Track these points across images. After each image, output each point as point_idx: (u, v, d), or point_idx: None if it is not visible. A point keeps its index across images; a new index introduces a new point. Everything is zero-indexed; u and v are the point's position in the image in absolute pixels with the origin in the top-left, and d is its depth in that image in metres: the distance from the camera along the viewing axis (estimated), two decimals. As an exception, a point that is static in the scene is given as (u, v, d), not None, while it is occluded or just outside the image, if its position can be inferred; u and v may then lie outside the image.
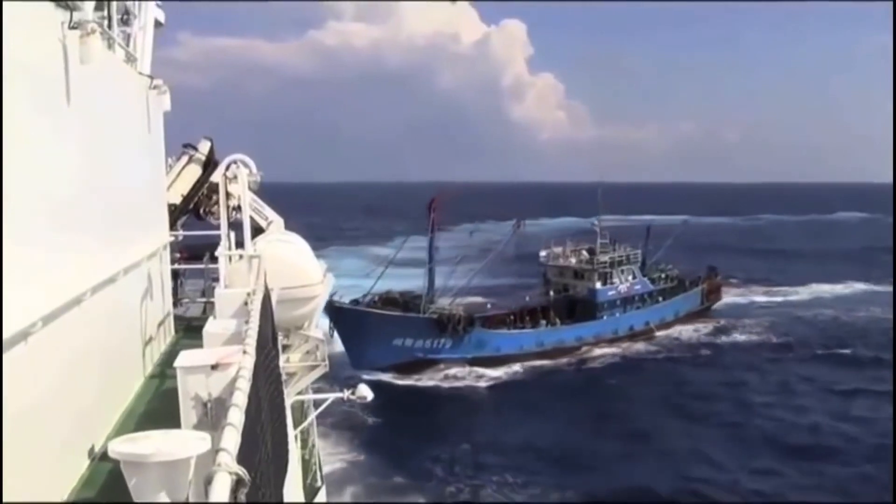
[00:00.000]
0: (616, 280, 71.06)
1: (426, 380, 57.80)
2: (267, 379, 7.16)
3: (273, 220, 20.81)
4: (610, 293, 70.28)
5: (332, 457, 38.80)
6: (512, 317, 66.21)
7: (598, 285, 69.55)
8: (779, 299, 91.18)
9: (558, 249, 73.80)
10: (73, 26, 9.55)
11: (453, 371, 59.48)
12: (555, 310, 67.95)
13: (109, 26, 14.08)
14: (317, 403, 18.74)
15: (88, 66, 9.89)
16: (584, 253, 72.46)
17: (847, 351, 67.07)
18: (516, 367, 61.56)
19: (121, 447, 4.12)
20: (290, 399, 14.79)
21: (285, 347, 14.56)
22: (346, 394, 17.05)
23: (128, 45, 15.68)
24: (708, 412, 50.86)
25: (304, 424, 18.10)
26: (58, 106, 9.25)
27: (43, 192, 8.50)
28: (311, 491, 17.25)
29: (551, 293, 70.86)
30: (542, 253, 73.96)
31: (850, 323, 77.91)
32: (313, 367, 14.67)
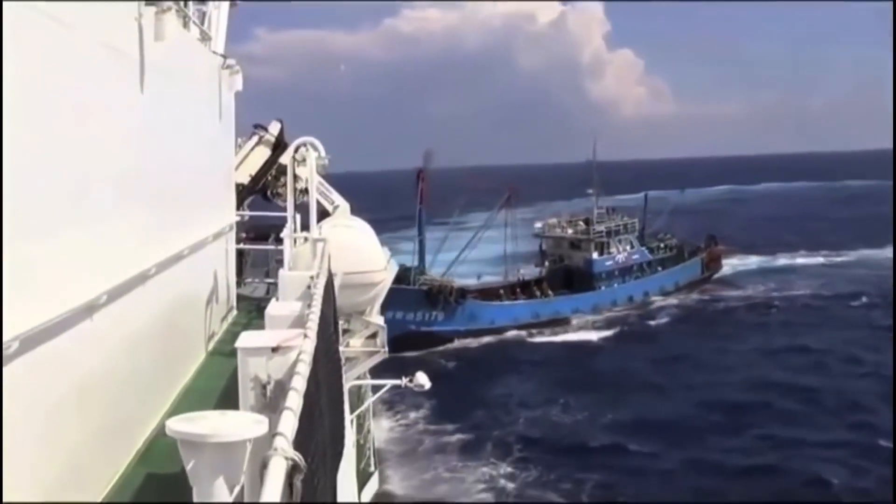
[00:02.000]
0: (613, 250, 69.79)
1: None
2: (326, 364, 7.11)
3: (339, 205, 20.85)
4: (607, 263, 69.00)
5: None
6: (501, 291, 64.86)
7: (595, 255, 68.40)
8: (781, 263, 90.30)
9: (553, 220, 72.77)
10: (150, 3, 9.59)
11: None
12: (551, 281, 66.86)
13: (185, 4, 14.16)
14: (374, 388, 18.74)
15: (163, 43, 9.94)
16: (581, 223, 71.16)
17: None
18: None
19: (178, 426, 4.08)
20: (348, 384, 14.82)
21: (346, 332, 14.58)
22: (404, 381, 17.03)
23: (203, 23, 15.77)
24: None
25: (361, 409, 18.13)
26: (131, 82, 9.30)
27: (112, 169, 8.55)
28: (364, 475, 17.30)
29: (547, 264, 69.80)
30: (538, 224, 73.08)
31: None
32: (373, 353, 14.68)
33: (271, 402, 5.22)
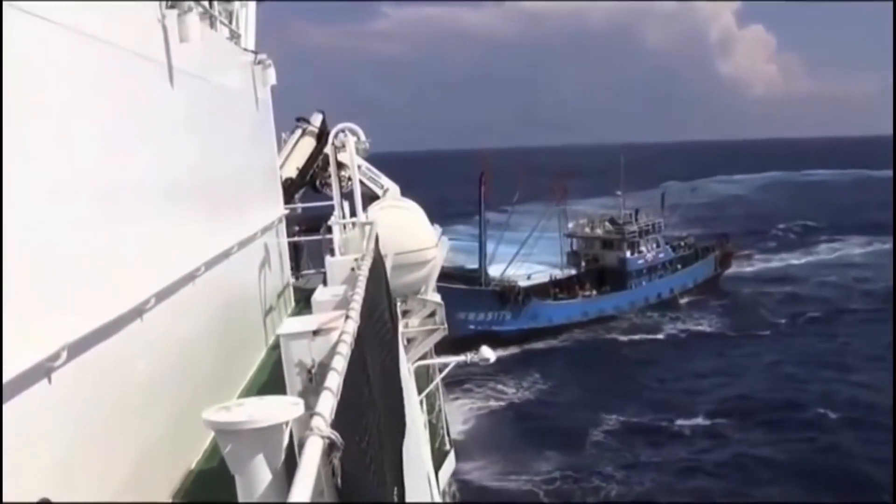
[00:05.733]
0: (643, 249, 71.58)
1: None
2: (378, 344, 7.08)
3: (388, 188, 20.83)
4: (639, 262, 70.88)
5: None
6: (557, 289, 66.87)
7: (628, 254, 70.22)
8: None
9: (584, 220, 75.09)
10: (171, 5, 9.62)
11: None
12: (587, 280, 68.84)
13: (210, 5, 14.19)
14: (441, 367, 18.75)
15: (189, 45, 9.96)
16: (608, 224, 72.97)
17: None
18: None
19: (214, 416, 4.10)
20: (412, 364, 14.82)
21: (405, 313, 14.58)
22: (469, 356, 16.98)
23: (231, 22, 15.82)
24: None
25: (430, 388, 18.14)
26: (161, 86, 9.34)
27: (151, 173, 8.61)
28: (439, 455, 17.32)
29: (582, 264, 71.65)
30: (569, 224, 74.89)
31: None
32: (432, 331, 14.67)
33: (317, 385, 5.22)
